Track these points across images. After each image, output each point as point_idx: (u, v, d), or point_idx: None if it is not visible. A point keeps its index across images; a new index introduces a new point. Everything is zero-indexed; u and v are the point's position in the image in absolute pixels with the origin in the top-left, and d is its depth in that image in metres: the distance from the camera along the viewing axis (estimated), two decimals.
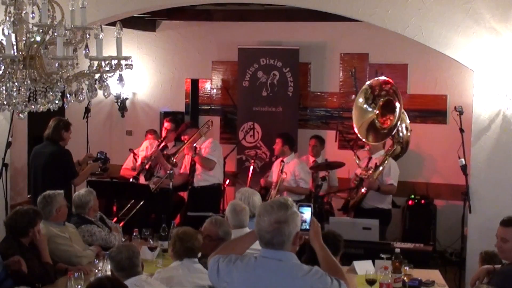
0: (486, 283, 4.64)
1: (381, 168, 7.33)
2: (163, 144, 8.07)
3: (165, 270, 4.60)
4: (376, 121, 7.48)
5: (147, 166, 7.97)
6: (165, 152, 7.93)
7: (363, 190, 7.35)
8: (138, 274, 4.21)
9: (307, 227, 3.24)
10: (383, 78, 7.72)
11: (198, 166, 7.91)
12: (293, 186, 7.86)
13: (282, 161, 7.95)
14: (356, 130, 7.51)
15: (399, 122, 7.34)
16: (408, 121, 7.72)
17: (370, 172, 7.36)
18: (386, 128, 7.44)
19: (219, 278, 3.15)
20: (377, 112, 7.48)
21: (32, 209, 5.09)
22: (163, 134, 8.15)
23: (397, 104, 7.30)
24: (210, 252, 4.19)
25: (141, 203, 7.72)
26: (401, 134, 7.63)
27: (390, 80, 7.61)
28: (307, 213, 3.25)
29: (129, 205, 7.84)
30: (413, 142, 8.89)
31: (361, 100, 7.53)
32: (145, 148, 8.19)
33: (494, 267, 4.81)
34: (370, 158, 7.58)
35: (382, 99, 7.48)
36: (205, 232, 4.81)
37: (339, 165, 8.14)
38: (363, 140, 7.51)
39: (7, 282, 4.69)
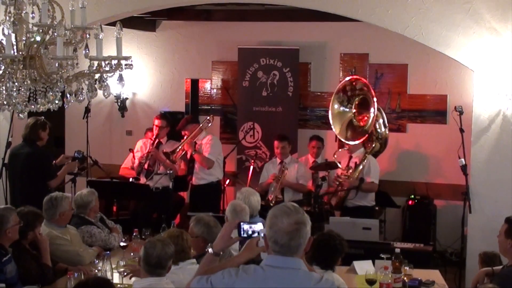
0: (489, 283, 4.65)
1: (361, 166, 7.37)
2: (156, 141, 8.05)
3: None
4: (354, 120, 7.54)
5: (146, 166, 7.96)
6: (164, 150, 7.93)
7: (343, 192, 7.38)
8: (160, 276, 4.14)
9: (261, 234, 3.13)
10: (348, 78, 7.84)
11: (196, 164, 7.92)
12: (294, 182, 7.93)
13: (283, 162, 8.00)
14: (337, 133, 7.65)
15: (375, 118, 7.40)
16: (385, 118, 7.75)
17: (351, 171, 7.39)
18: (363, 126, 7.49)
19: None
20: (354, 111, 7.54)
21: (32, 212, 5.08)
22: (154, 131, 8.10)
23: (371, 100, 7.38)
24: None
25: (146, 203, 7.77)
26: (379, 130, 7.65)
27: (359, 77, 7.73)
28: (258, 225, 3.18)
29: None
30: (413, 142, 8.92)
31: (336, 106, 7.62)
32: (140, 148, 8.17)
33: (493, 270, 4.82)
34: (350, 157, 7.59)
35: (357, 98, 7.55)
36: None
37: None
38: (345, 141, 7.57)
39: (18, 285, 4.72)
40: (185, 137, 7.90)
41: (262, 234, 3.10)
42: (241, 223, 3.18)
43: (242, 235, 3.16)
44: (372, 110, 7.37)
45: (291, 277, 2.94)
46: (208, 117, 8.13)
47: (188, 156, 8.02)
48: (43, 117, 6.79)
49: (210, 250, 3.26)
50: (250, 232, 3.16)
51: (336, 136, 8.58)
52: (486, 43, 6.22)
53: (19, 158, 6.81)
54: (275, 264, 2.95)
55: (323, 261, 4.57)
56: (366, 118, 7.51)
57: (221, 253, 3.30)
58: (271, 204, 7.61)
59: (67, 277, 4.61)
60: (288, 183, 7.90)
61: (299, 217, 2.95)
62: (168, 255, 4.18)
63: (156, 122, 8.09)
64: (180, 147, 7.82)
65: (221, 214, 5.97)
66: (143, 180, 7.94)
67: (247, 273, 2.97)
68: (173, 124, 8.24)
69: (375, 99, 7.36)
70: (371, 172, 7.39)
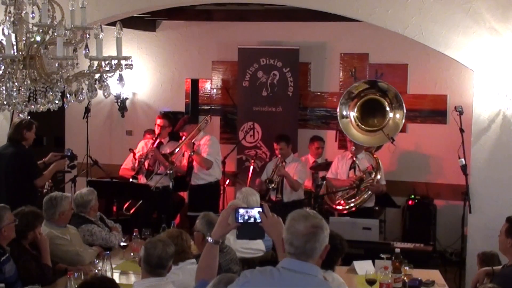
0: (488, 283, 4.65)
1: (381, 170, 7.37)
2: (157, 141, 8.05)
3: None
4: (360, 124, 7.49)
5: (146, 165, 7.96)
6: (162, 151, 7.93)
7: (365, 196, 7.35)
8: (161, 276, 4.14)
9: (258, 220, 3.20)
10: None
11: (195, 165, 7.93)
12: (290, 175, 7.86)
13: (284, 161, 7.99)
14: (363, 142, 7.54)
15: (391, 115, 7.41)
16: None
17: (373, 175, 7.35)
18: (377, 125, 7.47)
19: None
20: (356, 114, 7.49)
21: (32, 212, 5.07)
22: (156, 131, 8.10)
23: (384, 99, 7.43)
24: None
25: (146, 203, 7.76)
26: None
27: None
28: (255, 209, 3.21)
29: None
30: (413, 142, 8.92)
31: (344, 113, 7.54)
32: (141, 148, 8.18)
33: (493, 269, 4.82)
34: (353, 161, 7.49)
35: (362, 100, 7.50)
36: None
37: None
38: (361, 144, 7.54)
39: (17, 284, 4.70)
40: (183, 138, 7.91)
41: (259, 217, 3.17)
42: (238, 209, 3.21)
43: (238, 220, 3.19)
44: (390, 114, 7.40)
45: (307, 283, 2.92)
46: (205, 117, 8.14)
47: (187, 157, 8.02)
48: (29, 117, 6.72)
49: (209, 239, 3.30)
50: (246, 217, 3.19)
51: (336, 136, 8.62)
52: (486, 43, 6.22)
53: (4, 158, 6.73)
54: (290, 267, 2.94)
55: (323, 261, 4.56)
56: (375, 118, 7.49)
57: (220, 241, 3.34)
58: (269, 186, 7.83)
59: (67, 277, 4.60)
60: (286, 173, 7.86)
61: (316, 222, 2.96)
62: (169, 255, 4.18)
63: (158, 121, 8.09)
64: (178, 149, 7.83)
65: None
66: (142, 179, 7.94)
67: (262, 274, 2.97)
68: (174, 124, 8.25)
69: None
70: (382, 174, 7.45)
